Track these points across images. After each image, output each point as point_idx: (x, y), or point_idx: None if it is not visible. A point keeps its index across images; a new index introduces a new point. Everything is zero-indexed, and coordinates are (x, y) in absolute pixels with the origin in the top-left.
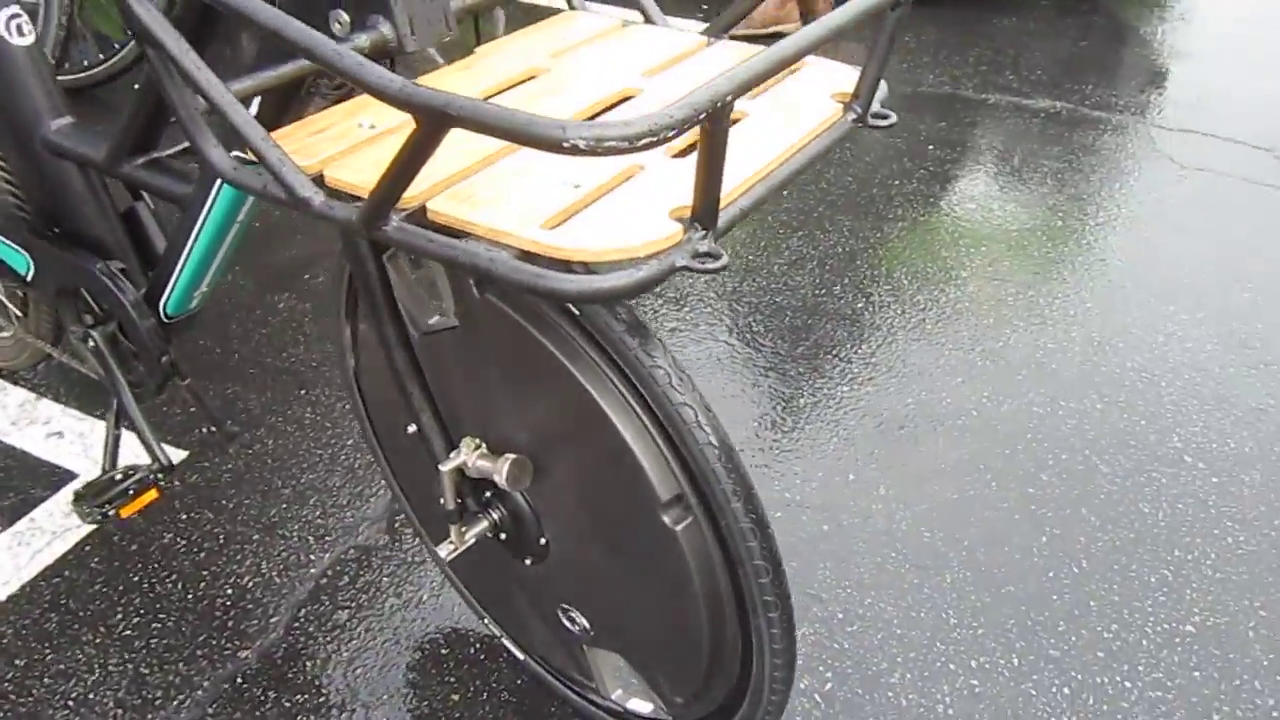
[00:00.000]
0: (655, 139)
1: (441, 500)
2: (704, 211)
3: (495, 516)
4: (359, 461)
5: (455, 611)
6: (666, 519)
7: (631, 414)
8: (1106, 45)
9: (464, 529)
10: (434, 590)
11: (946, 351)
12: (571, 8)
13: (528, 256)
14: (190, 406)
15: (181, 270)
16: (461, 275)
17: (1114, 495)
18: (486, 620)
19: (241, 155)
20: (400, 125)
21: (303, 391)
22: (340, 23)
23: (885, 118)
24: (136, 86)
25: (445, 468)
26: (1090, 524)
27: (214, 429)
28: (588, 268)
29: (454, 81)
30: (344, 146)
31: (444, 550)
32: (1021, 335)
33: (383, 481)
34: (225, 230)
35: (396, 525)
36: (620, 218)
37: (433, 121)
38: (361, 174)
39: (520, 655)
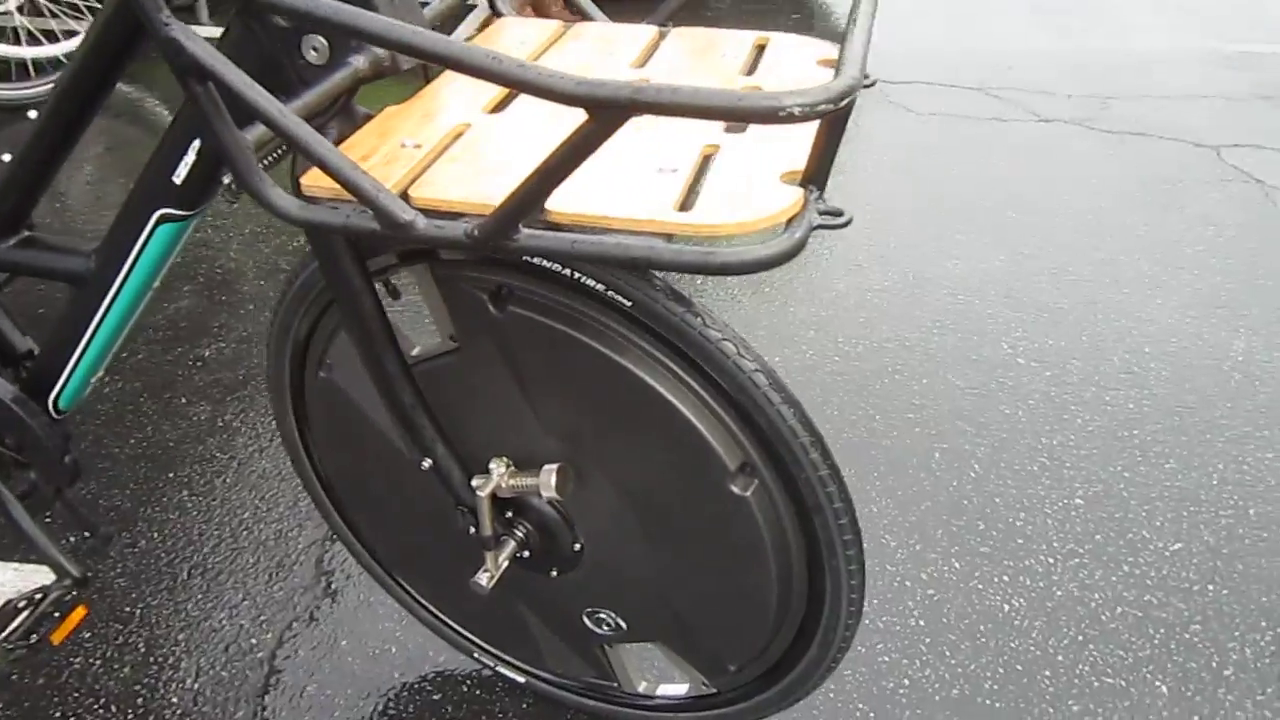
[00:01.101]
0: (849, 100)
1: (472, 530)
2: (818, 174)
3: (520, 535)
4: (265, 533)
5: (433, 654)
6: (735, 487)
7: (691, 392)
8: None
9: (499, 555)
10: (399, 639)
11: (792, 306)
12: (496, 14)
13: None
14: (46, 515)
15: (82, 356)
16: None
17: (977, 405)
18: (477, 654)
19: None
20: (446, 139)
21: (170, 474)
22: (317, 49)
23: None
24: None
25: (483, 493)
26: (968, 434)
27: (87, 534)
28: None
29: (443, 103)
30: (408, 167)
31: (483, 579)
32: (849, 281)
33: (302, 546)
34: (139, 301)
35: (332, 586)
36: (739, 191)
37: (613, 113)
38: (452, 190)
39: (521, 679)
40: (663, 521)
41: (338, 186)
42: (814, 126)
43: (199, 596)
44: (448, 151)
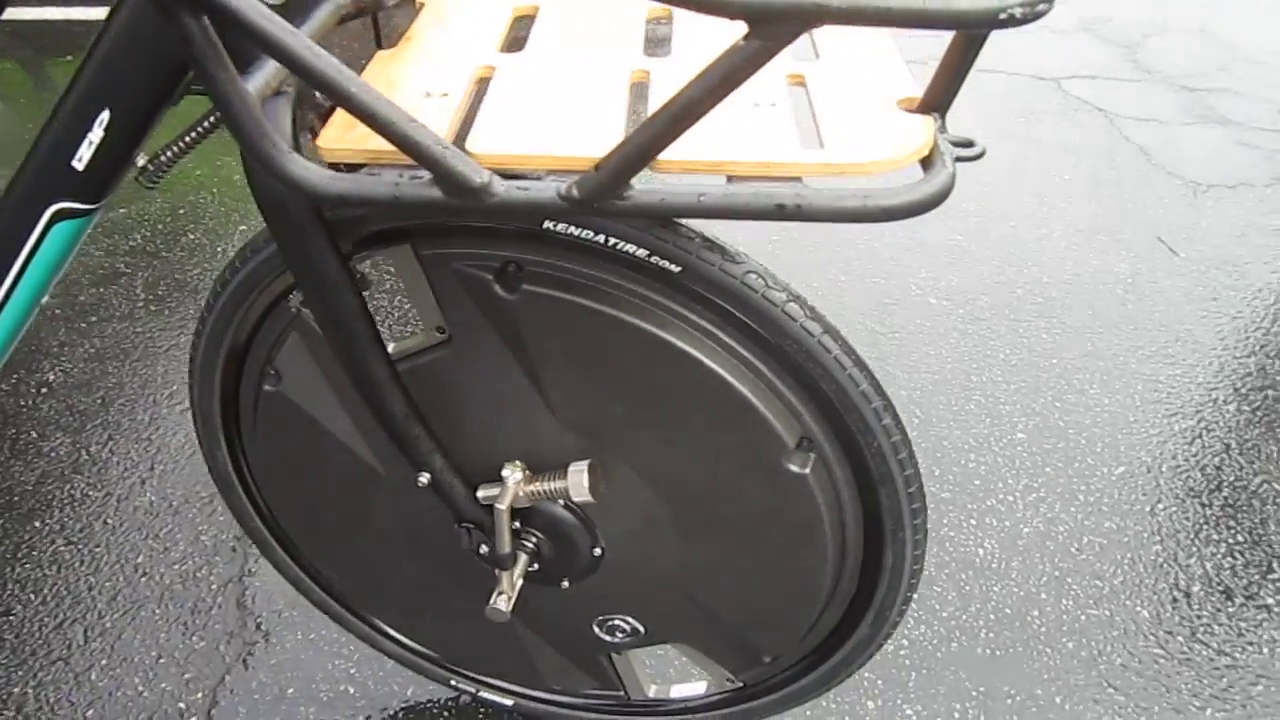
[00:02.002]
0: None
1: (483, 549)
2: (944, 99)
3: (531, 546)
4: (167, 576)
5: (399, 688)
6: (794, 465)
7: (744, 364)
8: None
9: (514, 572)
10: (355, 677)
11: None
12: None
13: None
14: None
15: None
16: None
17: (903, 348)
18: (455, 681)
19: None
20: (473, 85)
21: (35, 524)
22: None
23: None
24: None
25: (502, 504)
26: (900, 379)
27: None
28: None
29: (445, 45)
30: (446, 121)
31: (502, 604)
32: (746, 233)
33: (216, 586)
34: (24, 322)
35: (262, 627)
36: (862, 125)
37: (788, 26)
38: (517, 143)
39: (508, 702)
40: (703, 512)
41: (375, 148)
42: (896, 47)
43: (103, 662)
44: (485, 99)
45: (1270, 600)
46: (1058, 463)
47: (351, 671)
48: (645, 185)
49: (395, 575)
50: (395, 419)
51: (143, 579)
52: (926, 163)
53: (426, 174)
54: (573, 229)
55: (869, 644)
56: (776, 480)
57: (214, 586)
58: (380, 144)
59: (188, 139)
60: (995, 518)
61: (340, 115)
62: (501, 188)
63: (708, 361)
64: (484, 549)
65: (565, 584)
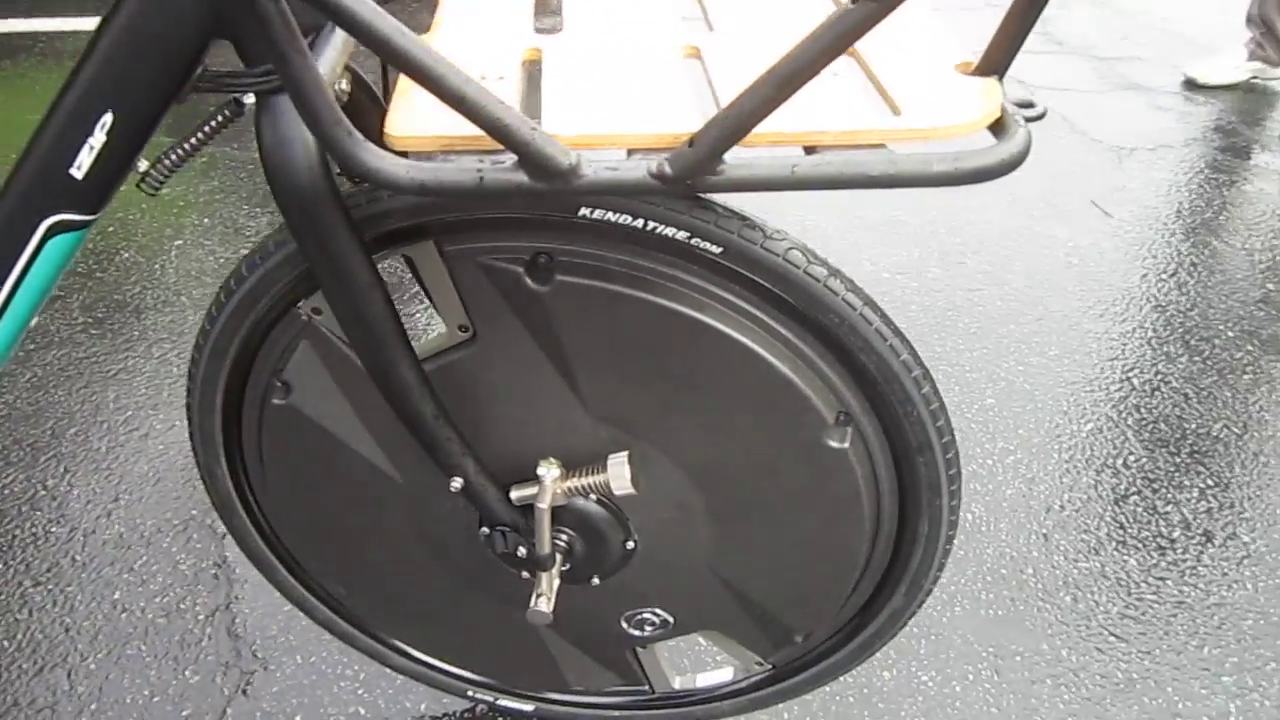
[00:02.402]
0: None
1: (520, 551)
2: (1003, 61)
3: (563, 544)
4: (150, 611)
5: (411, 704)
6: (833, 441)
7: (783, 342)
8: None
9: (553, 573)
10: (364, 698)
11: None
12: None
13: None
14: None
15: None
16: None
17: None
18: (473, 691)
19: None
20: (525, 67)
21: None
22: None
23: None
24: None
25: (543, 503)
26: None
27: None
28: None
29: (478, 29)
30: (513, 103)
31: (544, 606)
32: None
33: (203, 616)
34: (15, 342)
35: (258, 654)
36: (931, 89)
37: None
38: (594, 123)
39: (528, 708)
40: (738, 495)
41: (450, 134)
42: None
43: (93, 707)
44: (544, 81)
45: (1247, 539)
46: (1030, 424)
47: (360, 692)
48: (734, 159)
49: (411, 587)
50: (426, 423)
51: (123, 615)
52: (997, 125)
53: (508, 159)
54: (610, 215)
55: (903, 613)
56: (815, 456)
57: (200, 617)
58: (452, 130)
59: (195, 140)
60: (979, 482)
61: (402, 103)
62: (590, 169)
63: (746, 341)
64: (521, 551)
65: (595, 580)
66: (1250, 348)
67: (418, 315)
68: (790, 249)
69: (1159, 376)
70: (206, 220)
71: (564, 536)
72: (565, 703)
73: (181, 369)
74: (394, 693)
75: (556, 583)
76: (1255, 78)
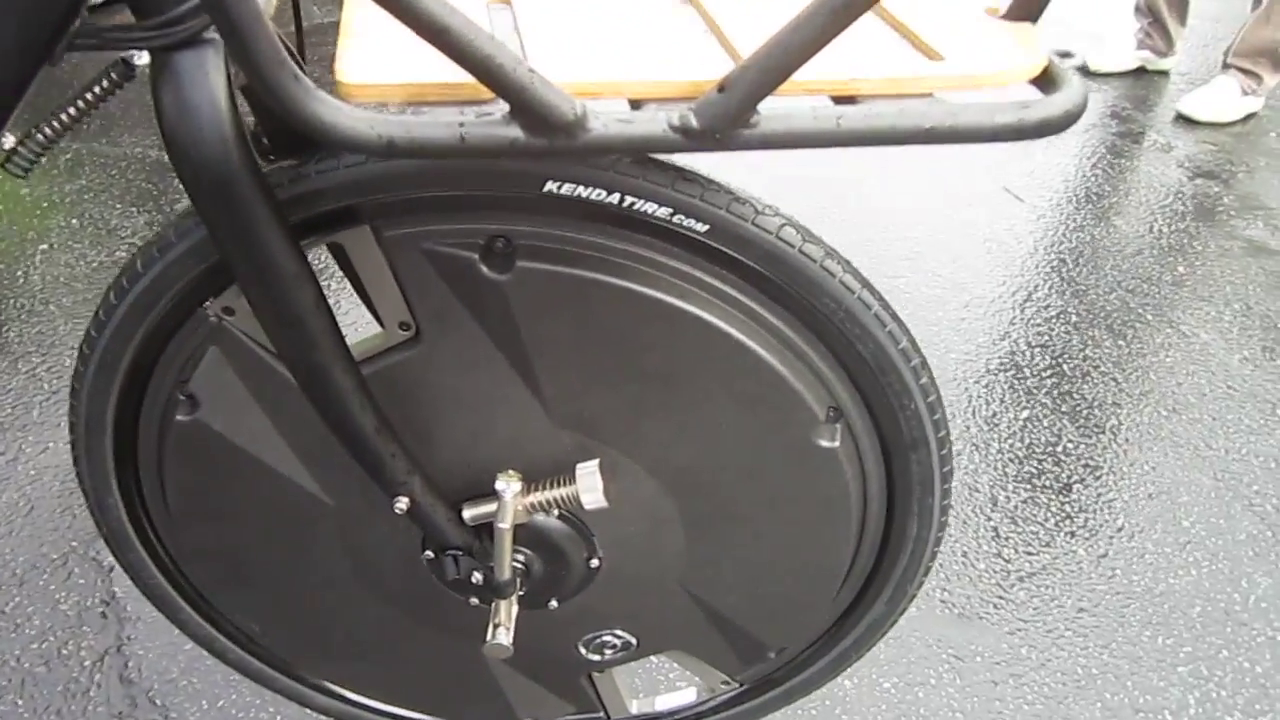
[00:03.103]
0: None
1: (476, 577)
2: (1037, 7)
3: (520, 565)
4: (26, 659)
5: None
6: (823, 440)
7: (772, 333)
8: None
9: (513, 600)
10: None
11: None
12: None
13: None
14: None
15: None
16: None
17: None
18: None
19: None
20: (486, 12)
21: None
22: None
23: None
24: None
25: (504, 523)
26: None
27: None
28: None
29: None
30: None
31: (503, 638)
32: None
33: (90, 662)
34: None
35: (157, 701)
36: (968, 35)
37: None
38: (592, 70)
39: None
40: (714, 503)
41: (418, 82)
42: None
43: None
44: (521, 25)
45: (1187, 523)
46: (968, 414)
47: None
48: (769, 110)
49: (340, 621)
50: (365, 438)
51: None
52: (1044, 75)
53: (498, 110)
54: (580, 190)
55: (884, 622)
56: (803, 457)
57: (87, 663)
58: (424, 76)
59: (74, 109)
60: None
61: (353, 44)
62: (598, 122)
63: (733, 332)
64: (476, 578)
65: (552, 604)
66: (1169, 330)
67: (346, 312)
68: (784, 226)
69: (1088, 362)
70: (75, 222)
71: (520, 557)
72: None
73: (53, 384)
74: None
75: (515, 610)
76: (1144, 66)
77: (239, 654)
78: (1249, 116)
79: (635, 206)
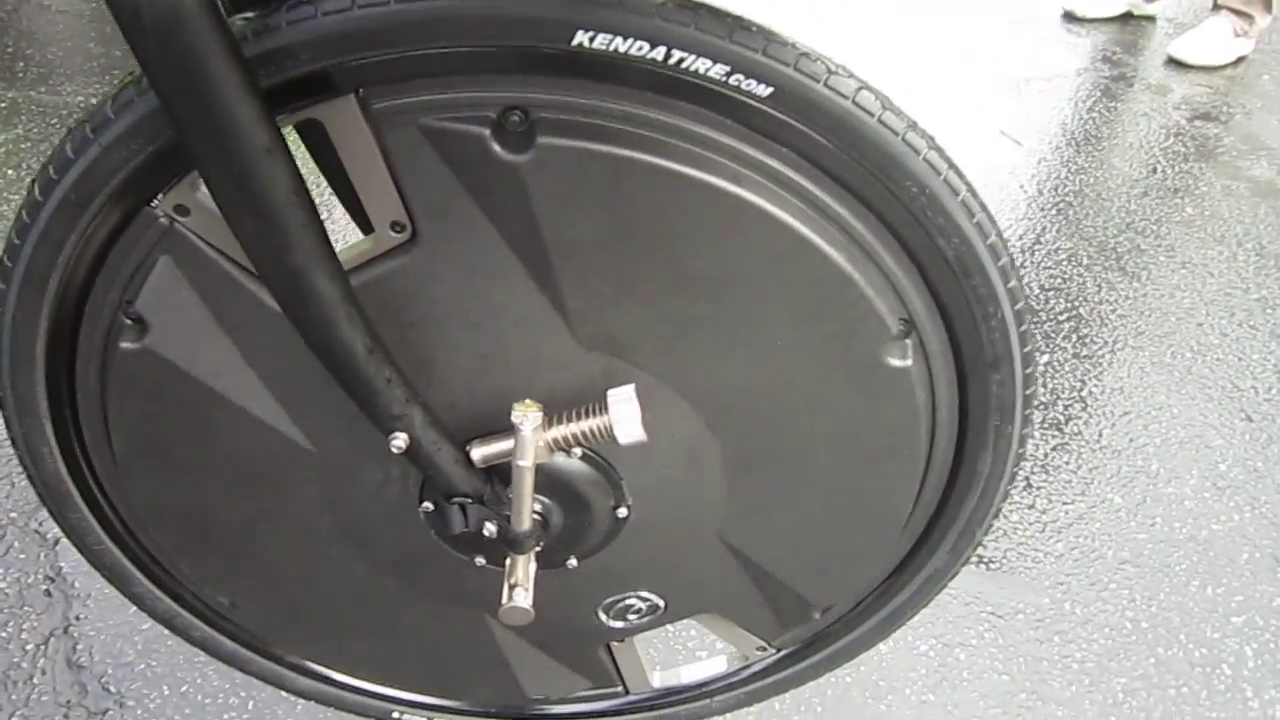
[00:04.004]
0: None
1: (489, 529)
2: None
3: (537, 515)
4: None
5: None
6: (893, 358)
7: (840, 227)
8: None
9: (529, 556)
10: None
11: None
12: None
13: None
14: None
15: None
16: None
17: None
18: (400, 713)
19: None
20: None
21: None
22: None
23: None
24: None
25: (524, 461)
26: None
27: None
28: None
29: None
30: None
31: (523, 600)
32: None
33: (35, 650)
34: None
35: (110, 687)
36: None
37: None
38: None
39: None
40: (764, 437)
41: None
42: None
43: None
44: None
45: (1224, 467)
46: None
47: None
48: None
49: (323, 590)
50: (355, 359)
51: None
52: None
53: None
54: (618, 43)
55: (944, 575)
56: (869, 380)
57: (29, 647)
58: None
59: None
60: None
61: None
62: None
63: (795, 224)
64: (489, 530)
65: (571, 562)
66: (1183, 272)
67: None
68: (860, 90)
69: (1105, 305)
70: (11, 173)
71: (536, 506)
72: (518, 717)
73: None
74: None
75: (533, 567)
76: (1130, 11)
77: (205, 631)
78: (1239, 60)
79: (685, 64)
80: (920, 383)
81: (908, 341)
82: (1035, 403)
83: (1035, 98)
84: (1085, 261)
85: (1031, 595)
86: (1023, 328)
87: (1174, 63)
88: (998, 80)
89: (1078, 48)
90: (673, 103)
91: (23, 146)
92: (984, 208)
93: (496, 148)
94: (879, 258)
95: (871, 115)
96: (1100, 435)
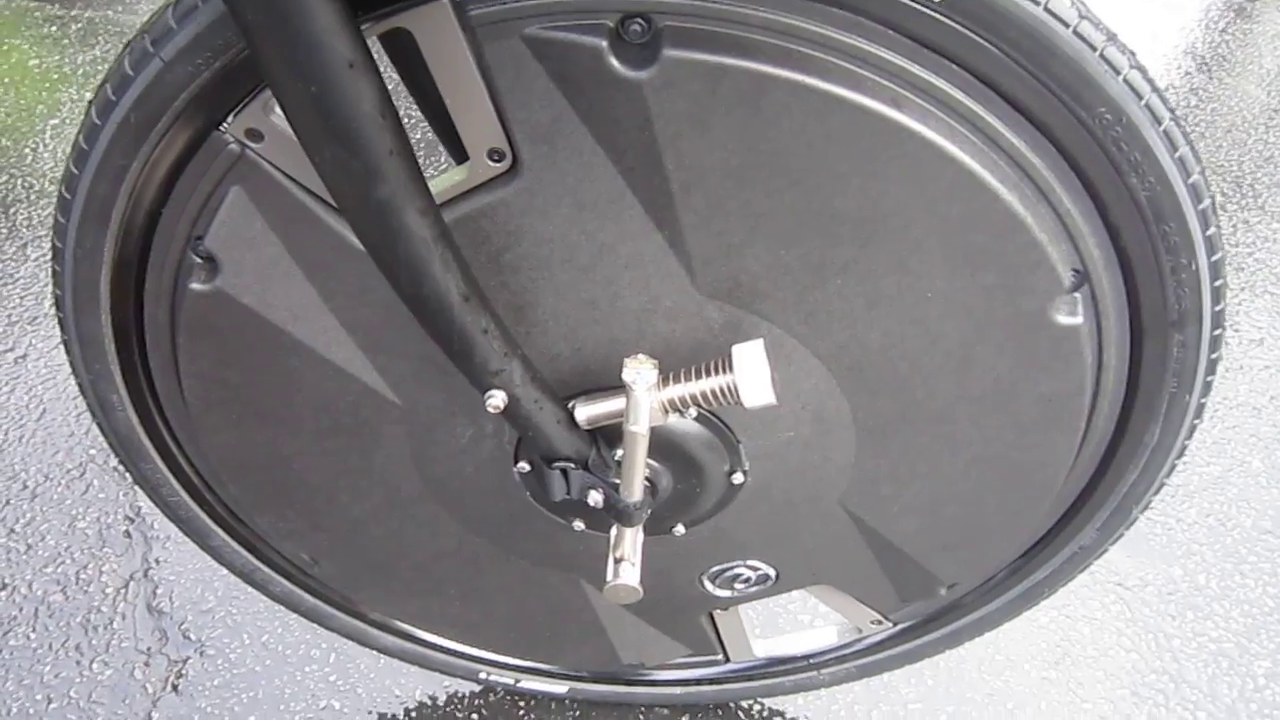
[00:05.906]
0: None
1: (595, 496)
2: None
3: (645, 481)
4: (40, 583)
5: (404, 691)
6: (1062, 315)
7: (1013, 161)
8: None
9: (639, 528)
10: (341, 685)
11: None
12: None
13: None
14: None
15: None
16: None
17: None
18: (486, 674)
19: None
20: None
21: None
22: None
23: None
24: None
25: (637, 426)
26: None
27: None
28: None
29: None
30: None
31: (630, 577)
32: None
33: (114, 594)
34: None
35: (191, 635)
36: None
37: None
38: None
39: (561, 689)
40: (905, 399)
41: None
42: None
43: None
44: None
45: None
46: None
47: (332, 678)
48: None
49: (410, 550)
50: (449, 307)
51: (1, 594)
52: None
53: None
54: None
55: (1091, 553)
56: (1032, 338)
57: (109, 590)
58: None
59: None
60: None
61: None
62: None
63: (961, 156)
64: (594, 498)
65: (678, 530)
66: None
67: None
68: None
69: (1242, 247)
70: (88, 95)
71: (646, 470)
72: (612, 679)
73: None
74: (376, 676)
75: (641, 539)
76: None
77: (285, 587)
78: None
79: None
80: (1089, 343)
81: (1078, 295)
82: (1217, 368)
83: (1160, 16)
84: (1219, 199)
85: (1162, 565)
86: (1218, 282)
87: None
88: None
89: None
90: (823, 9)
91: (99, 69)
92: (1188, 140)
93: (614, 62)
94: (1055, 198)
95: (1067, 25)
96: (1237, 391)
